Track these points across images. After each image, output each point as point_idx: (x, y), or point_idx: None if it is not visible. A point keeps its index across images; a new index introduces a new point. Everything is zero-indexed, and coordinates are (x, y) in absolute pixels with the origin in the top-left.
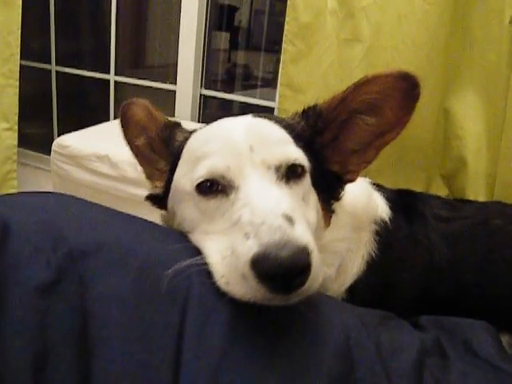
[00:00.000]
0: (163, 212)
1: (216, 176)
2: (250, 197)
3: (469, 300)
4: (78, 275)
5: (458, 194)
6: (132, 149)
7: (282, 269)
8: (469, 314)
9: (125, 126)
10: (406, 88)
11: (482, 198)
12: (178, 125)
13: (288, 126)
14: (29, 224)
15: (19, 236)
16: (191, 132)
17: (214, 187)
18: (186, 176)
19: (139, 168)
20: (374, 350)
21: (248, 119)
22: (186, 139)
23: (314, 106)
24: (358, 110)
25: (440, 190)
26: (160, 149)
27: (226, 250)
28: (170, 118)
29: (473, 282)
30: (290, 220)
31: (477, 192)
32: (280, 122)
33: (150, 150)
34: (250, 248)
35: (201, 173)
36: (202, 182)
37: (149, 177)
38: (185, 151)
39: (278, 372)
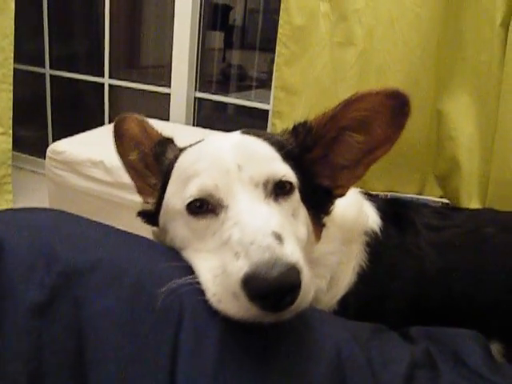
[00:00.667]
0: (155, 228)
1: (205, 195)
2: (239, 216)
3: (459, 309)
4: (72, 295)
5: (451, 195)
6: (124, 163)
7: (272, 288)
8: (459, 323)
9: (118, 140)
10: (395, 105)
11: (475, 198)
12: (170, 141)
13: (277, 143)
14: (22, 243)
15: (13, 256)
16: (181, 150)
17: (203, 207)
18: (176, 195)
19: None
20: (365, 363)
21: (236, 137)
22: (176, 157)
23: (305, 123)
24: (347, 127)
25: (434, 191)
26: (152, 165)
27: (217, 269)
28: (166, 123)
29: (463, 290)
30: (279, 238)
31: (470, 192)
32: (269, 138)
33: (143, 165)
34: (240, 268)
35: (190, 192)
36: (192, 202)
37: (140, 191)
38: (175, 170)
39: None
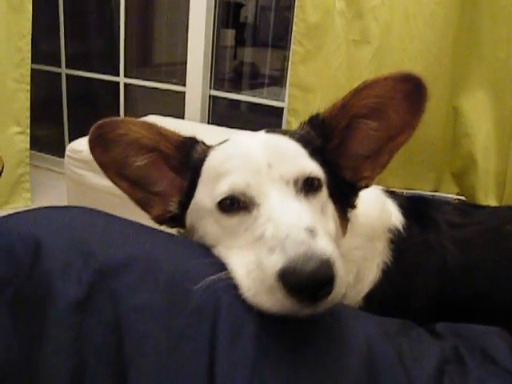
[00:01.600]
0: (180, 230)
1: (237, 193)
2: (272, 212)
3: (483, 306)
4: (109, 290)
5: (467, 192)
6: (113, 172)
7: (308, 281)
8: (482, 320)
9: (104, 147)
10: (408, 89)
11: (492, 196)
12: (195, 140)
13: (301, 138)
14: (59, 242)
15: (51, 254)
16: (209, 147)
17: (235, 205)
18: (207, 193)
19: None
20: (396, 358)
21: (264, 136)
22: (205, 156)
23: (317, 116)
24: (359, 114)
25: (450, 189)
26: (178, 164)
27: (251, 264)
28: (181, 121)
29: (486, 287)
30: (312, 233)
31: (487, 190)
32: (293, 135)
33: (153, 168)
34: (276, 262)
35: (222, 190)
36: (223, 200)
37: (141, 204)
38: (204, 169)
39: (307, 382)
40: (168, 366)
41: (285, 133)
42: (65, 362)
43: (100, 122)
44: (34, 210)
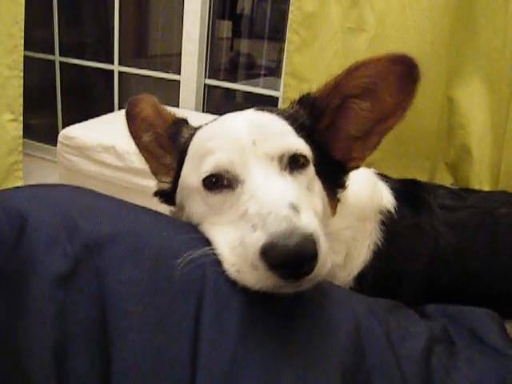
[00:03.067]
0: (172, 208)
1: (221, 171)
2: (255, 189)
3: (474, 288)
4: (95, 266)
5: (462, 183)
6: (137, 144)
7: (290, 257)
8: (474, 302)
9: (130, 121)
10: (401, 71)
11: (486, 187)
12: (184, 121)
13: (289, 117)
14: (45, 216)
15: (36, 228)
16: (196, 128)
17: (219, 182)
18: (193, 172)
19: (144, 163)
20: (384, 337)
21: (250, 113)
22: (192, 136)
23: (308, 95)
24: (351, 94)
25: (444, 179)
26: (167, 145)
27: (235, 241)
28: (175, 109)
29: (478, 270)
30: (295, 209)
31: (481, 180)
32: (281, 113)
33: (157, 145)
34: (258, 239)
35: (206, 168)
36: (208, 177)
37: (154, 172)
38: (190, 148)
39: (293, 359)
40: (152, 341)
41: (273, 111)
42: (47, 335)
43: (130, 99)
44: (21, 187)
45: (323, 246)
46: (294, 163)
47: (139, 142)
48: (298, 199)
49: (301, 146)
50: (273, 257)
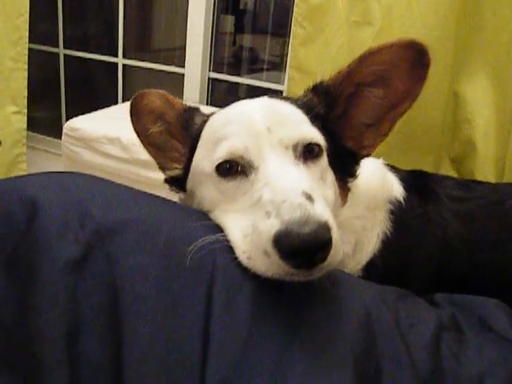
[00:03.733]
0: (181, 195)
1: (235, 157)
2: (269, 176)
3: (482, 278)
4: (106, 252)
5: (466, 178)
6: (144, 139)
7: (303, 245)
8: (482, 292)
9: (136, 116)
10: (413, 56)
11: (491, 181)
12: (196, 109)
13: (303, 105)
14: (56, 202)
15: (48, 214)
16: (209, 115)
17: (233, 168)
18: (206, 158)
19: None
20: (393, 324)
21: (264, 100)
22: (205, 122)
23: (321, 83)
24: (364, 82)
25: (449, 174)
26: (178, 133)
27: (247, 228)
28: (186, 103)
29: (486, 260)
30: (309, 198)
31: (486, 176)
32: (295, 101)
33: (168, 135)
34: (271, 226)
35: (220, 154)
36: (221, 164)
37: (162, 167)
38: (203, 134)
39: (303, 346)
40: (163, 326)
41: (287, 99)
42: (59, 319)
43: (135, 94)
44: (32, 174)
45: (336, 235)
46: (308, 152)
47: (146, 136)
48: (312, 188)
49: (316, 135)
50: (286, 244)
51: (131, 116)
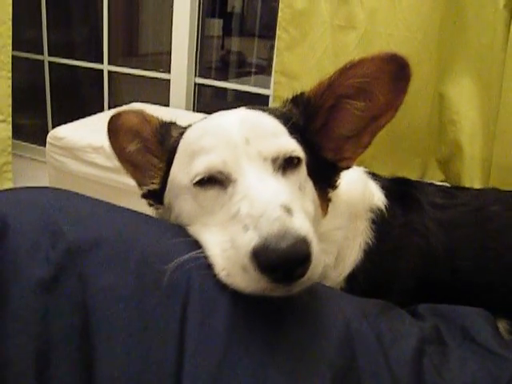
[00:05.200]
0: (159, 209)
1: (213, 172)
2: (247, 189)
3: (466, 287)
4: (78, 271)
5: (453, 179)
6: (122, 157)
7: (282, 259)
8: (466, 301)
9: (113, 136)
10: (393, 70)
11: (477, 183)
12: (173, 123)
13: (282, 116)
14: (27, 221)
15: (18, 233)
16: (185, 127)
17: (211, 180)
18: (183, 170)
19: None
20: (374, 339)
21: (242, 112)
22: (181, 134)
23: (302, 94)
24: (345, 94)
25: (435, 176)
26: (156, 148)
27: (225, 243)
28: (166, 109)
29: (470, 268)
30: (288, 211)
31: (472, 177)
32: (274, 112)
33: (145, 152)
34: (249, 240)
35: (198, 169)
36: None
37: (140, 183)
38: (180, 146)
39: (281, 363)
40: (137, 346)
41: (265, 110)
42: (29, 343)
43: (111, 115)
44: (2, 190)
45: (316, 248)
46: (287, 164)
47: (123, 155)
48: (291, 201)
49: (295, 147)
50: (264, 259)
51: (108, 136)
